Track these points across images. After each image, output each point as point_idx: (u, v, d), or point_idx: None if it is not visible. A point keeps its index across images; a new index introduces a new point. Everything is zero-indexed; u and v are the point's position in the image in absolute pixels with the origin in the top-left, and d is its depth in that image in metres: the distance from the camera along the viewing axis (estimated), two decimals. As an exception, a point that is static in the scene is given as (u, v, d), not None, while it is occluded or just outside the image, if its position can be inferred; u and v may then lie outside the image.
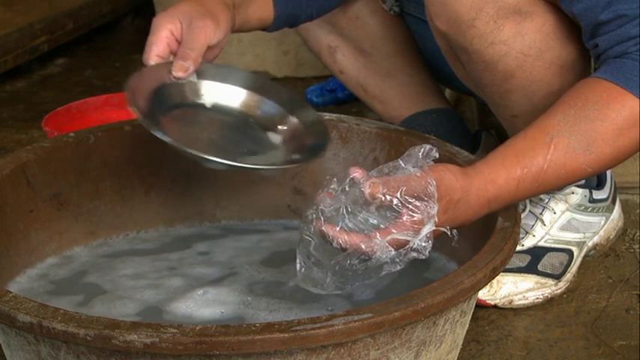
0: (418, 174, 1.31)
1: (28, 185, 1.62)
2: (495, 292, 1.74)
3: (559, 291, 1.79)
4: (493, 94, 1.67)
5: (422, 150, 1.34)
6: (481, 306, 1.74)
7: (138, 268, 1.63)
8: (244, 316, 1.48)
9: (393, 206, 1.30)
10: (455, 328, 1.35)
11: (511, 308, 1.75)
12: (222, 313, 1.48)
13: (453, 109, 2.11)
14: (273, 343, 1.17)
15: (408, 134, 1.72)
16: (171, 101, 1.53)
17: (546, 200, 1.80)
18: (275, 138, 1.57)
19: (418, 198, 1.30)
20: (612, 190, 1.88)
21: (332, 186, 1.33)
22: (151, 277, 1.60)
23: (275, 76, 2.87)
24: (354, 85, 2.05)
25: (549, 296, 1.77)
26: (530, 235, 1.79)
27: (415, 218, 1.30)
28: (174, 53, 1.53)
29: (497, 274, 1.35)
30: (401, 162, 1.33)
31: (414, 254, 1.31)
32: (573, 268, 1.82)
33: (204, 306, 1.50)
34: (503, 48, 1.58)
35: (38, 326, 1.20)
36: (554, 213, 1.80)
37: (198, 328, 1.17)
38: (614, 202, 1.90)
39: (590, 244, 1.87)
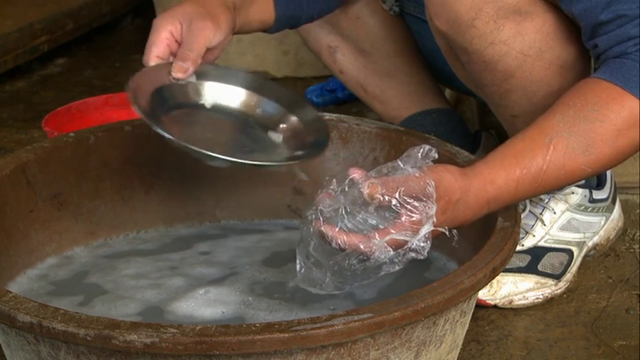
0: (417, 174, 1.32)
1: (28, 185, 1.62)
2: (495, 292, 1.74)
3: (559, 291, 1.79)
4: (493, 94, 1.67)
5: (421, 150, 1.34)
6: (481, 306, 1.74)
7: (139, 268, 1.63)
8: (245, 316, 1.48)
9: (392, 207, 1.30)
10: (455, 328, 1.35)
11: (511, 308, 1.75)
12: (222, 312, 1.48)
13: (453, 109, 2.11)
14: (273, 343, 1.17)
15: (408, 134, 1.72)
16: (171, 102, 1.53)
17: (546, 200, 1.80)
18: (275, 137, 1.57)
19: (417, 198, 1.30)
20: (612, 190, 1.88)
21: (331, 186, 1.33)
22: (153, 276, 1.60)
23: (275, 76, 2.87)
24: (354, 85, 2.05)
25: (549, 296, 1.77)
26: (530, 235, 1.79)
27: (414, 218, 1.30)
28: (174, 54, 1.53)
29: (497, 274, 1.35)
30: (400, 162, 1.33)
31: (413, 254, 1.31)
32: (573, 268, 1.82)
33: (205, 306, 1.50)
34: (503, 48, 1.58)
35: (38, 326, 1.20)
36: (554, 213, 1.80)
37: (198, 328, 1.18)
38: (614, 202, 1.90)
39: (590, 244, 1.87)
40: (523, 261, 1.78)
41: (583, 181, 1.80)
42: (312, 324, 1.18)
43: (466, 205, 1.37)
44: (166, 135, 1.41)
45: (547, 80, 1.60)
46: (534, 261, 1.78)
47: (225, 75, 1.59)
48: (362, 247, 1.29)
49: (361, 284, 1.36)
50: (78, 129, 1.75)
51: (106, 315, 1.39)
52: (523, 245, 1.79)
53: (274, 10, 1.71)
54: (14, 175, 1.59)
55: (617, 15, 1.44)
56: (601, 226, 1.87)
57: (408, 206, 1.30)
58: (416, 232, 1.30)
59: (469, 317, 1.41)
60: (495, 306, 1.75)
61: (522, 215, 1.76)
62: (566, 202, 1.81)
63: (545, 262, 1.78)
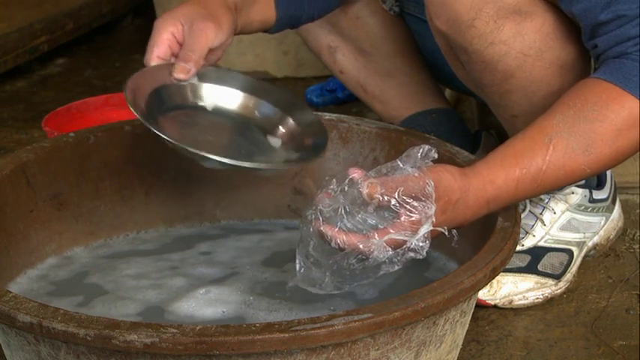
0: (416, 174, 1.32)
1: (28, 185, 1.62)
2: (495, 292, 1.74)
3: (559, 291, 1.79)
4: (493, 94, 1.67)
5: (420, 150, 1.34)
6: (481, 306, 1.74)
7: (140, 269, 1.63)
8: (245, 315, 1.48)
9: (391, 206, 1.30)
10: (455, 328, 1.35)
11: (511, 308, 1.75)
12: (223, 312, 1.49)
13: (453, 109, 2.11)
14: (273, 343, 1.17)
15: (408, 134, 1.72)
16: (170, 103, 1.53)
17: (546, 200, 1.80)
18: (274, 140, 1.58)
19: (416, 198, 1.30)
20: (612, 190, 1.88)
21: (331, 186, 1.33)
22: (153, 277, 1.60)
23: (275, 76, 2.87)
24: (354, 85, 2.05)
25: (549, 296, 1.77)
26: (530, 235, 1.79)
27: (413, 218, 1.30)
28: (175, 55, 1.53)
29: (497, 274, 1.35)
30: (399, 162, 1.33)
31: (412, 254, 1.31)
32: (573, 268, 1.82)
33: (206, 305, 1.50)
34: (503, 48, 1.58)
35: (38, 326, 1.20)
36: (554, 213, 1.80)
37: (198, 328, 1.18)
38: (614, 202, 1.90)
39: (590, 244, 1.87)
40: (523, 261, 1.78)
41: (583, 181, 1.80)
42: (312, 324, 1.18)
43: (466, 205, 1.37)
44: (160, 134, 1.40)
45: (547, 80, 1.60)
46: (534, 261, 1.78)
47: (224, 77, 1.59)
48: (361, 246, 1.29)
49: (361, 284, 1.36)
50: (78, 129, 1.75)
51: (107, 315, 1.39)
52: (523, 245, 1.79)
53: (275, 11, 1.71)
54: (14, 175, 1.59)
55: (616, 15, 1.44)
56: (601, 226, 1.87)
57: (407, 206, 1.30)
58: (415, 231, 1.30)
59: (469, 317, 1.41)
60: (495, 306, 1.75)
61: (522, 215, 1.76)
62: (566, 202, 1.81)
63: (545, 262, 1.78)
